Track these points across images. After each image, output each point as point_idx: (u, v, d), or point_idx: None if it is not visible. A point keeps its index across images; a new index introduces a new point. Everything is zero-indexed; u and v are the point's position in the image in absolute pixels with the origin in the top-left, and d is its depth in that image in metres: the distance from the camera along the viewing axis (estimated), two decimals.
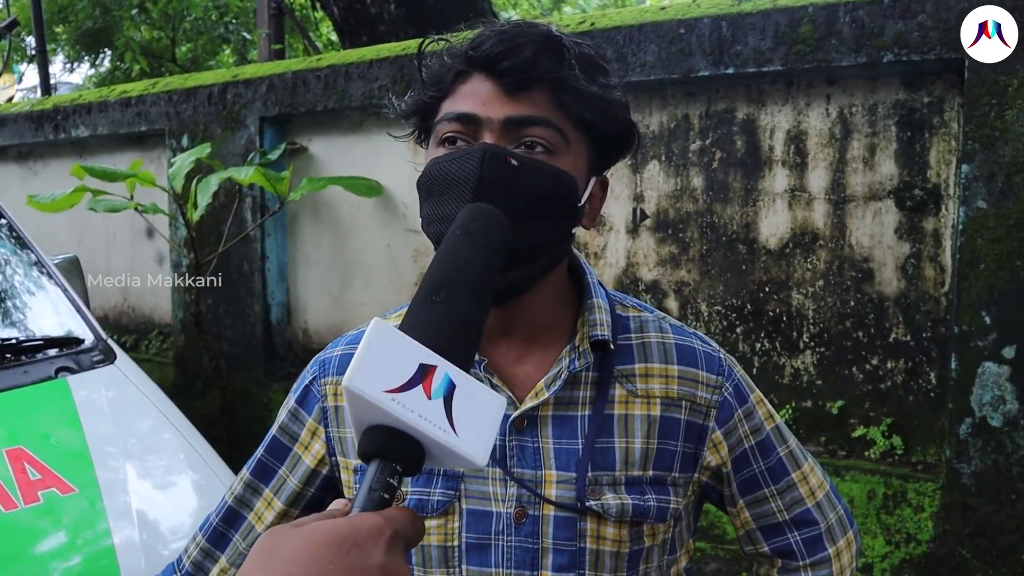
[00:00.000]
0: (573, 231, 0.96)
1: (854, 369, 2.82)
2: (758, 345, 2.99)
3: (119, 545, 1.85)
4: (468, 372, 0.65)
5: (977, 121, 2.45)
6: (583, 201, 0.94)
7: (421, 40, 0.99)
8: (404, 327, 0.66)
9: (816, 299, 2.87)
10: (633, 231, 3.23)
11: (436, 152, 0.92)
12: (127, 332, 5.01)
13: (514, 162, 0.87)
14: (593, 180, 0.96)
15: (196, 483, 2.17)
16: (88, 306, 2.73)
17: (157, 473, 2.18)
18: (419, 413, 0.60)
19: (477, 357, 0.96)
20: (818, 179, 2.86)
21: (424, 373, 0.62)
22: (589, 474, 0.93)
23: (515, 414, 0.94)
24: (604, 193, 1.00)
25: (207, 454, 2.25)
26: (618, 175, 3.21)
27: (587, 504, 0.92)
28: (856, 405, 2.83)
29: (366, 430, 0.62)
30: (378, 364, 0.61)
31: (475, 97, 0.89)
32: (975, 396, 2.49)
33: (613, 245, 3.27)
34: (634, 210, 3.21)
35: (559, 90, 0.89)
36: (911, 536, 2.63)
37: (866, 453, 2.78)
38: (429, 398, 0.61)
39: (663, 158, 3.11)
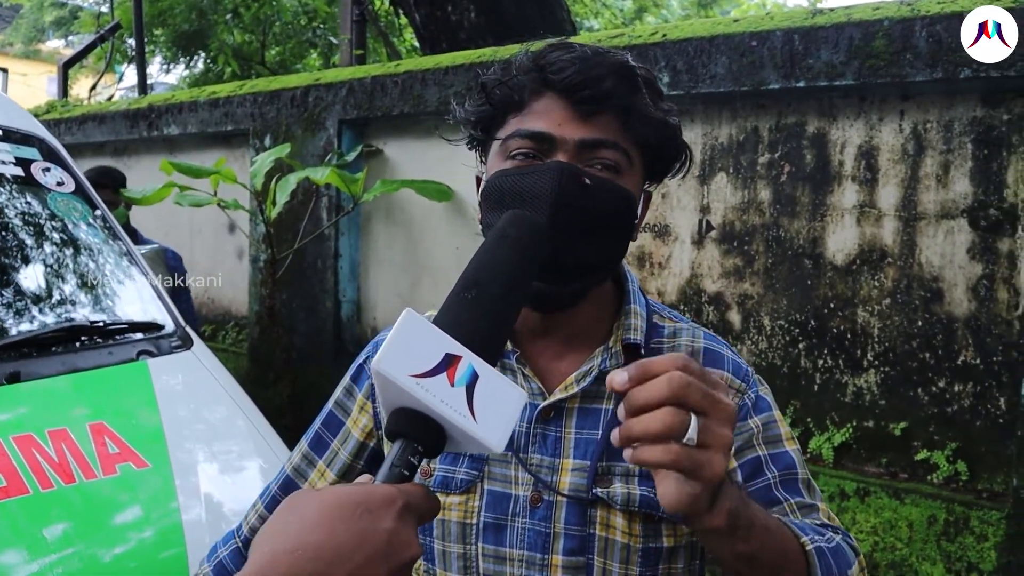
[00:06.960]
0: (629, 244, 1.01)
1: (919, 391, 2.76)
2: (820, 362, 2.95)
3: (187, 522, 1.94)
4: (494, 366, 0.70)
5: None
6: (639, 217, 1.00)
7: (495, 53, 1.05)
8: (436, 320, 0.71)
9: (882, 317, 2.82)
10: (698, 242, 3.22)
11: (503, 165, 0.97)
12: (207, 322, 5.22)
13: (587, 181, 0.92)
14: (642, 195, 1.01)
15: (261, 468, 2.25)
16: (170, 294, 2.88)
17: (225, 456, 2.28)
18: (441, 398, 0.65)
19: (510, 347, 1.01)
20: (888, 196, 2.81)
21: (449, 362, 0.67)
22: (602, 463, 0.96)
23: (543, 404, 0.99)
24: (647, 206, 1.05)
25: (273, 441, 2.34)
26: (685, 186, 3.21)
27: (594, 492, 0.95)
28: (920, 428, 2.76)
29: (393, 411, 0.67)
30: (406, 350, 0.66)
31: (549, 117, 0.94)
32: None
33: (678, 255, 3.27)
34: (700, 221, 3.21)
35: (628, 116, 0.94)
36: (973, 565, 2.55)
37: (929, 477, 2.71)
38: (452, 385, 0.66)
39: (731, 170, 3.10)
